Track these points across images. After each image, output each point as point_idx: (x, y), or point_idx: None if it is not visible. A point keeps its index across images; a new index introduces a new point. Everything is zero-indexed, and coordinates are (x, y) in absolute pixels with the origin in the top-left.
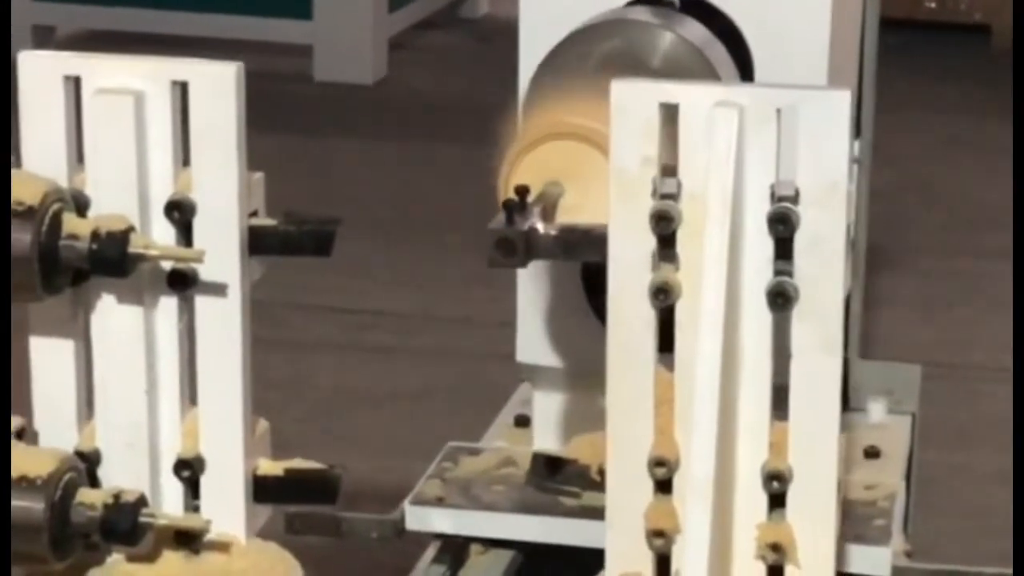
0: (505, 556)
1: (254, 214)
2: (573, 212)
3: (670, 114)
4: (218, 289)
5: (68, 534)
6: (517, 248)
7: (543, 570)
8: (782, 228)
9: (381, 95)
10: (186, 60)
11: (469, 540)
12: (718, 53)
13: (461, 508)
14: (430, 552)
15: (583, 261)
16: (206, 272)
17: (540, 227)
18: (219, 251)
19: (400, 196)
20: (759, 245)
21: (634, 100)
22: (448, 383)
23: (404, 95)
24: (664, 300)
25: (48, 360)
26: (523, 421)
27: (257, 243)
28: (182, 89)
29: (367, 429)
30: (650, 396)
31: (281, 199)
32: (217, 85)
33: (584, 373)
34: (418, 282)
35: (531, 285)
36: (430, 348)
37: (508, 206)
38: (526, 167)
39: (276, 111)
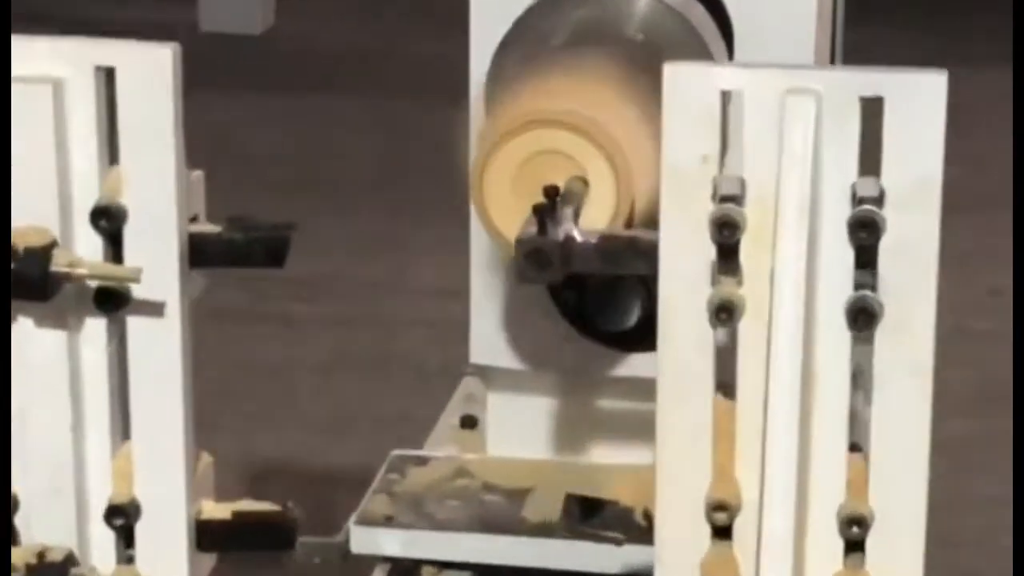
0: None
1: (194, 219)
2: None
3: (733, 103)
4: (154, 308)
5: None
6: (552, 260)
7: None
8: (865, 235)
9: (269, 45)
10: (114, 42)
11: (421, 562)
12: (699, 15)
13: (413, 528)
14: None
15: (628, 273)
16: (140, 288)
17: (577, 235)
18: (155, 264)
19: (296, 152)
20: (837, 255)
21: (691, 86)
22: (359, 354)
23: (293, 45)
24: (727, 320)
25: None
26: (470, 422)
27: (199, 253)
28: (108, 76)
29: (274, 404)
30: (707, 429)
31: None
32: (150, 70)
33: (545, 375)
34: (322, 245)
35: (485, 277)
36: (338, 316)
37: (540, 210)
38: (504, 160)
39: None
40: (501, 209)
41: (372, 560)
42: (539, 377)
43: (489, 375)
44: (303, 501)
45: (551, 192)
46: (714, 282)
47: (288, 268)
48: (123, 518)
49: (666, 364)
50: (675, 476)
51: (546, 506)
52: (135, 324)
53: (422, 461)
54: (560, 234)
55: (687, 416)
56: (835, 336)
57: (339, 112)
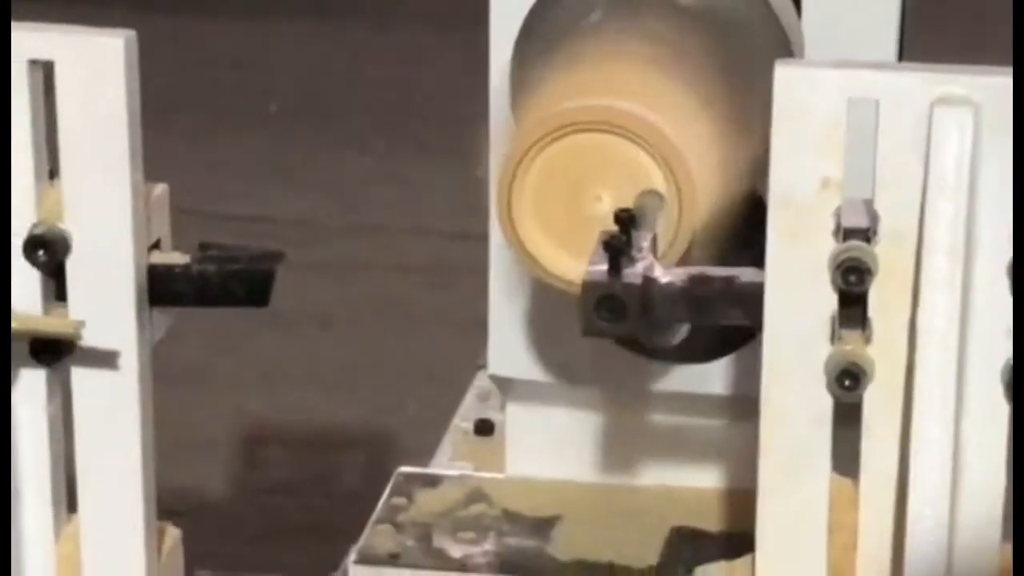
0: None
1: (155, 246)
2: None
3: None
4: (104, 357)
5: None
6: (629, 308)
7: None
8: None
9: None
10: (53, 29)
11: None
12: None
13: (422, 569)
14: None
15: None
16: (89, 334)
17: (660, 274)
18: (105, 304)
19: (302, 86)
20: (993, 309)
21: (809, 94)
22: (359, 302)
23: None
24: (852, 387)
25: None
26: (485, 428)
27: (161, 290)
28: (46, 71)
29: (267, 358)
30: (822, 521)
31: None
32: (98, 64)
33: (573, 386)
34: (323, 185)
35: (505, 281)
36: (338, 262)
37: (613, 246)
38: (536, 177)
39: None
40: (534, 232)
41: None
42: (564, 389)
43: (508, 384)
44: (302, 458)
45: (624, 218)
46: (835, 339)
47: (284, 208)
48: None
49: (772, 440)
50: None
51: (576, 541)
52: (82, 376)
53: (432, 481)
54: (638, 274)
55: (795, 503)
56: (989, 409)
57: (342, 39)
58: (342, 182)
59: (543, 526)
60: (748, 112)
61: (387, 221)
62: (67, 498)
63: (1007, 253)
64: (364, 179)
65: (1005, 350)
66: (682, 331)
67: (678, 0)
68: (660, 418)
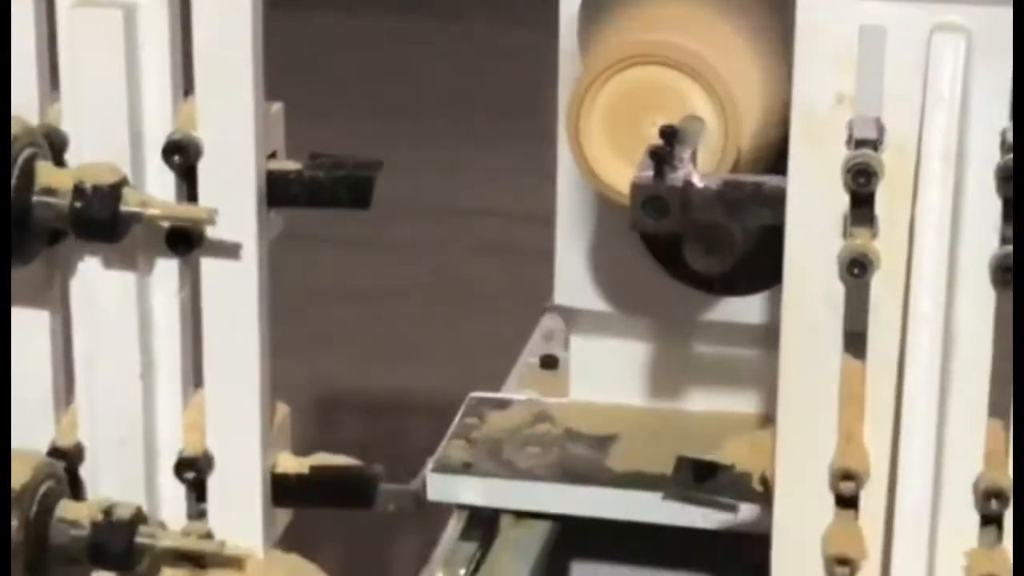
0: (542, 528)
1: (272, 156)
2: None
3: (871, 39)
4: (229, 250)
5: (48, 558)
6: (670, 207)
7: (583, 542)
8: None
9: None
10: None
11: (499, 511)
12: None
13: (493, 476)
14: (455, 524)
15: (751, 223)
16: (215, 229)
17: (697, 180)
18: (231, 203)
19: (370, 71)
20: (984, 206)
21: (827, 20)
22: (426, 278)
23: None
24: (860, 274)
25: (17, 337)
26: (550, 362)
27: (278, 193)
28: (184, 1)
29: (343, 329)
30: (835, 392)
31: None
32: None
33: (633, 317)
34: (389, 169)
35: (573, 216)
36: (404, 241)
37: (657, 155)
38: (603, 104)
39: None
40: (599, 151)
41: (448, 508)
42: (625, 319)
43: (572, 316)
44: (371, 428)
45: (668, 133)
46: (846, 234)
47: None
48: (194, 471)
49: (791, 321)
50: (798, 441)
51: (631, 455)
52: (209, 266)
53: (501, 404)
54: (679, 179)
55: (813, 377)
56: (978, 295)
57: (414, 34)
58: (416, 166)
59: (602, 443)
60: (787, 46)
61: (459, 202)
62: (194, 373)
63: (996, 158)
64: (436, 163)
65: (993, 242)
66: (730, 259)
67: None
68: (708, 348)
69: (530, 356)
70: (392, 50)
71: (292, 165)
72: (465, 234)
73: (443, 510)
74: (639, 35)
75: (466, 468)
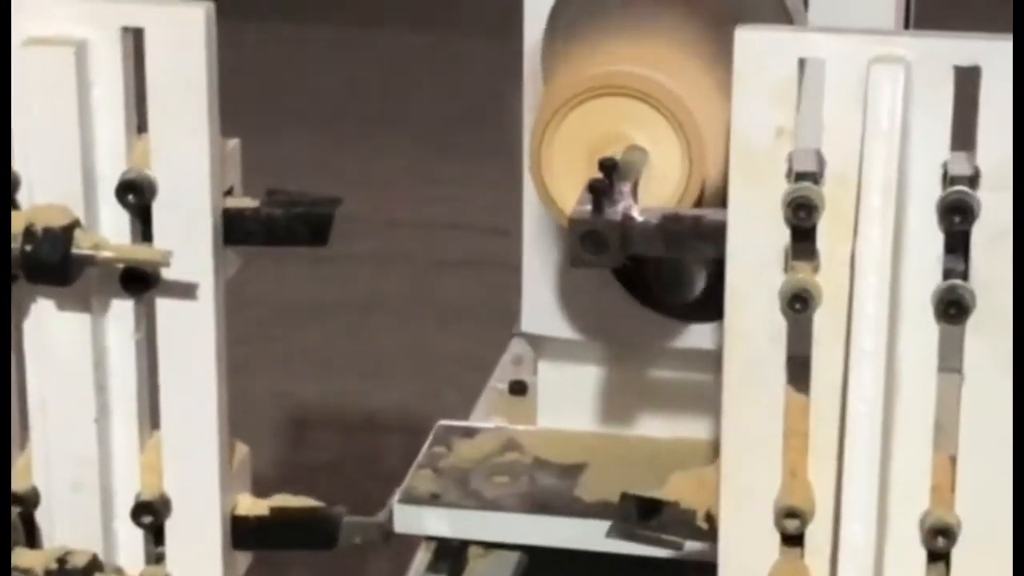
0: (511, 559)
1: (229, 193)
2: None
3: (812, 71)
4: (185, 290)
5: None
6: (609, 242)
7: (552, 573)
8: (958, 219)
9: None
10: (141, 0)
11: (467, 543)
12: None
13: (460, 508)
14: (423, 556)
15: (692, 258)
16: (171, 269)
17: (637, 214)
18: (186, 242)
19: (338, 86)
20: (926, 240)
21: (766, 55)
22: (396, 292)
23: None
24: (802, 309)
25: None
26: (519, 388)
27: (235, 230)
28: (136, 37)
29: (313, 346)
30: (778, 428)
31: None
32: (181, 31)
33: (601, 344)
34: (361, 181)
35: (539, 243)
36: (374, 255)
37: (595, 188)
38: (564, 136)
39: None
40: (561, 183)
41: (416, 539)
42: (593, 346)
43: (539, 343)
44: (343, 445)
45: (608, 166)
46: (787, 268)
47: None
48: (152, 515)
49: (734, 356)
50: (742, 477)
51: (601, 484)
52: (165, 306)
53: (469, 433)
54: (618, 213)
55: (756, 412)
56: (921, 329)
57: (389, 47)
58: (383, 180)
59: (571, 472)
60: None
61: (425, 217)
62: (151, 414)
63: (937, 191)
64: (404, 178)
65: (936, 276)
66: (697, 287)
67: None
68: (677, 374)
69: (498, 382)
70: (361, 63)
71: (249, 202)
72: (436, 248)
73: (411, 542)
74: (601, 66)
75: (433, 499)
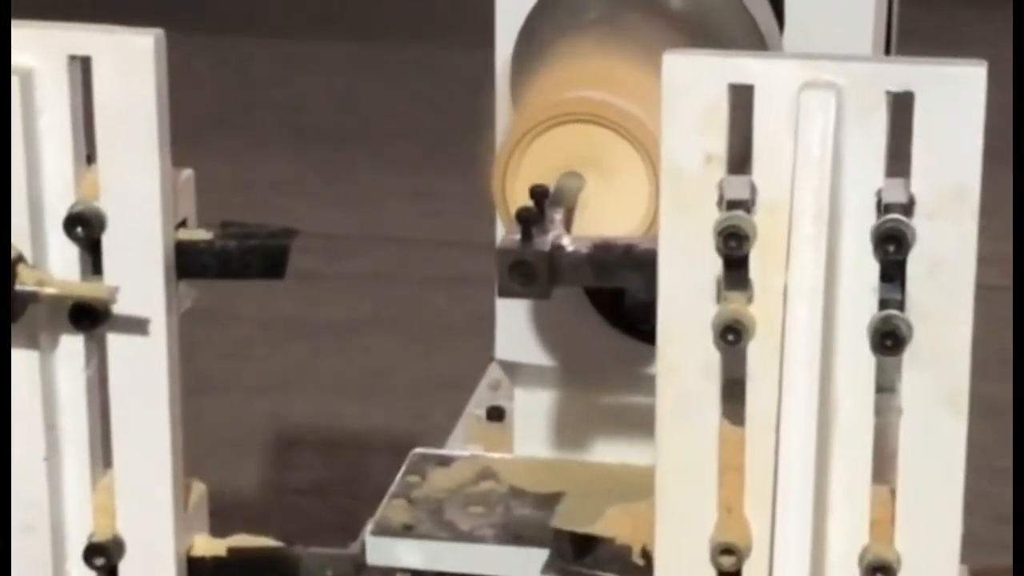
0: None
1: (182, 224)
2: (592, 210)
3: (741, 98)
4: (137, 325)
5: None
6: (538, 274)
7: None
8: (892, 248)
9: None
10: (89, 28)
11: (443, 574)
12: None
13: (434, 539)
14: None
15: (622, 287)
16: (121, 303)
17: (567, 243)
18: (138, 276)
19: (329, 102)
20: (860, 269)
21: (694, 80)
22: (384, 312)
23: None
24: (735, 341)
25: None
26: (497, 414)
27: (188, 264)
28: (84, 65)
29: (300, 364)
30: (713, 462)
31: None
32: (130, 59)
33: (576, 370)
34: (349, 199)
35: None
36: (363, 273)
37: (524, 217)
38: (529, 164)
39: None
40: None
41: (390, 572)
42: (569, 373)
43: (514, 370)
44: (330, 465)
45: (539, 194)
46: (720, 299)
47: (311, 222)
48: (104, 557)
49: (667, 390)
50: (676, 514)
51: (577, 514)
52: (116, 342)
53: (444, 461)
54: (547, 243)
55: (690, 447)
56: (857, 360)
57: (385, 61)
58: (367, 197)
59: (548, 501)
60: None
61: (410, 234)
62: (103, 453)
63: (871, 219)
64: (388, 193)
65: (871, 306)
66: None
67: (667, 6)
68: (654, 400)
69: (476, 408)
70: (348, 77)
71: (203, 235)
72: (425, 265)
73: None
74: (566, 92)
75: (407, 530)
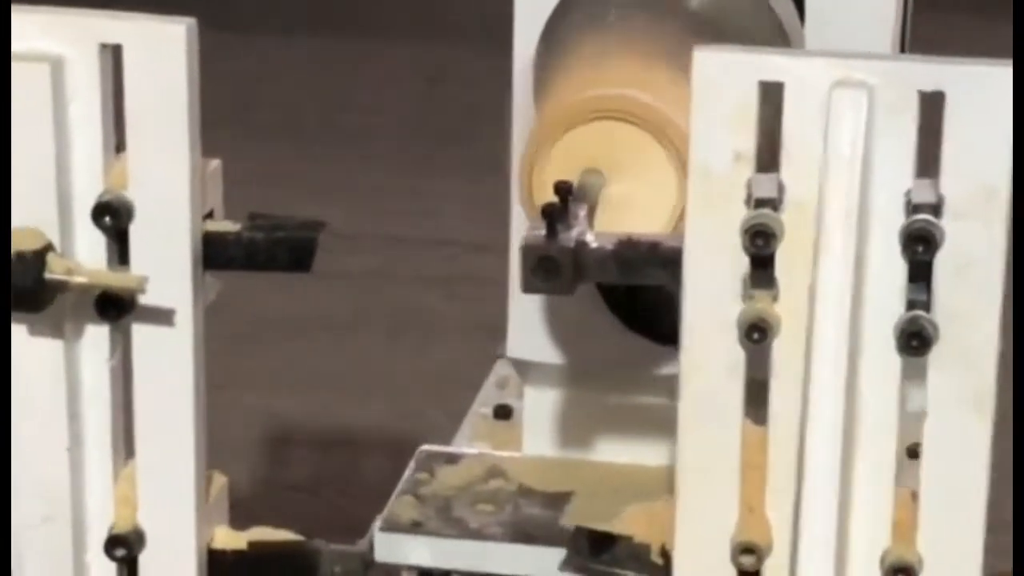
0: None
1: (209, 215)
2: (614, 208)
3: (771, 96)
4: (162, 315)
5: None
6: (562, 269)
7: None
8: (921, 249)
9: None
10: (120, 16)
11: (451, 572)
12: None
13: (442, 536)
14: None
15: (641, 286)
16: (148, 294)
17: (591, 240)
18: (164, 266)
19: (324, 99)
20: (888, 269)
21: (723, 77)
22: (378, 310)
23: None
24: (760, 339)
25: None
26: (504, 412)
27: (214, 255)
28: (114, 54)
29: (294, 362)
30: (735, 461)
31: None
32: (161, 48)
33: (588, 370)
34: (343, 197)
35: None
36: (358, 271)
37: (548, 212)
38: (557, 160)
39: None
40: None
41: (398, 569)
42: (580, 372)
43: (525, 368)
44: (324, 463)
45: (563, 190)
46: (746, 297)
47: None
48: (125, 548)
49: (689, 387)
50: (697, 512)
51: (587, 514)
52: (141, 333)
53: (452, 459)
54: (571, 239)
55: (712, 445)
56: (883, 360)
57: (373, 58)
58: (363, 195)
59: (557, 500)
60: None
61: (406, 232)
62: (125, 444)
63: (900, 219)
64: (384, 192)
65: (898, 307)
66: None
67: (688, 4)
68: (665, 401)
69: (482, 406)
70: (342, 75)
71: (230, 226)
72: (420, 264)
73: (393, 572)
74: (595, 89)
75: (415, 527)
